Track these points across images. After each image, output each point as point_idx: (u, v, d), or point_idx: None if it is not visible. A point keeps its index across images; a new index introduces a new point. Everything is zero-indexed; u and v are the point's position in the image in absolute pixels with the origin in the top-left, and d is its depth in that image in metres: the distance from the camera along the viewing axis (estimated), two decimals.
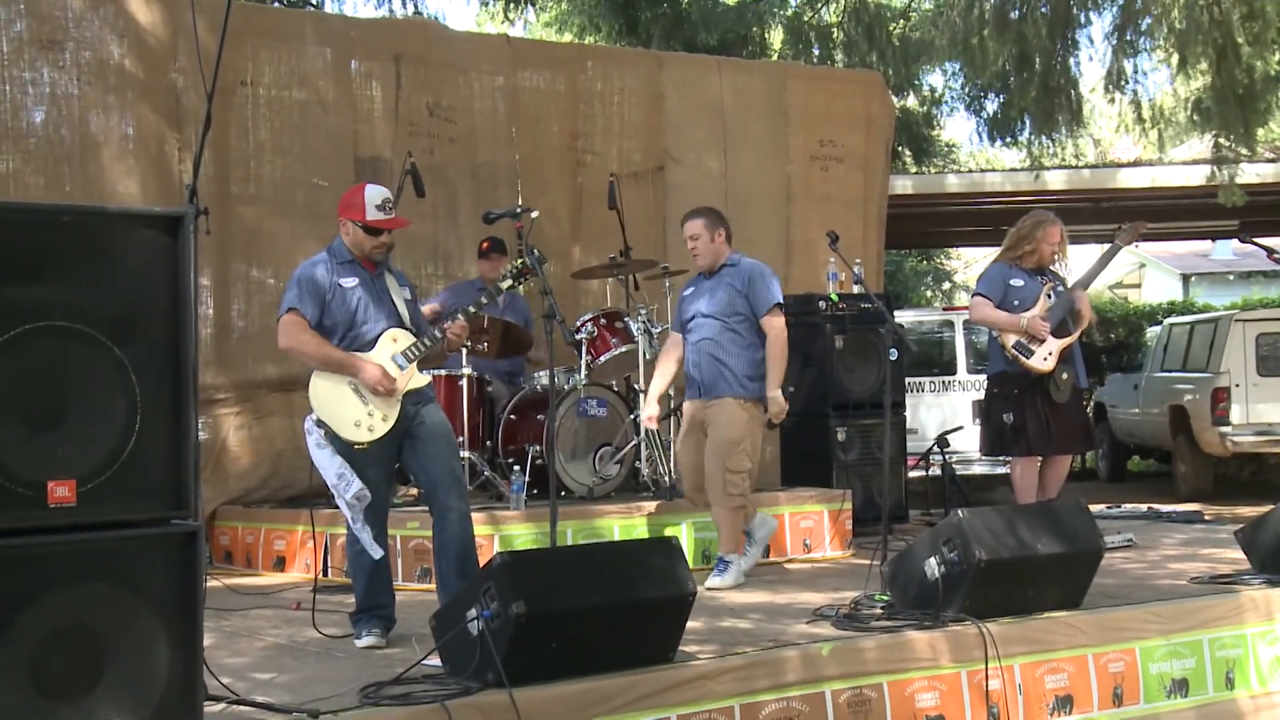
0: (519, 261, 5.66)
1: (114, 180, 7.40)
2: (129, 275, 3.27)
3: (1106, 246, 7.29)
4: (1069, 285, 7.17)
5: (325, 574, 6.72)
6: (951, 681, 4.77)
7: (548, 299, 5.60)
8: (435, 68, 8.62)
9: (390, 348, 5.13)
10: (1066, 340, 7.02)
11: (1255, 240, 7.70)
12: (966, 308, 14.49)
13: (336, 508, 5.10)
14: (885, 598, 5.30)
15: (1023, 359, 6.96)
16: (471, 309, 5.59)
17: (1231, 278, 28.32)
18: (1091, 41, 14.30)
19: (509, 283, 5.71)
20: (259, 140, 7.96)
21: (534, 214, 6.26)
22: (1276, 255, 7.11)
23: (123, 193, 7.37)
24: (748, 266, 6.51)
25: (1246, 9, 10.66)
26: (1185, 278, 29.14)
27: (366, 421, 5.03)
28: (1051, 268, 7.24)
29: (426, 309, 6.49)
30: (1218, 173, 12.71)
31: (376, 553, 5.02)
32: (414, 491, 6.74)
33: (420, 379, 5.18)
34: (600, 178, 8.70)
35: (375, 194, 5.15)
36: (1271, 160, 13.43)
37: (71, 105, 7.36)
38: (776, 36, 15.80)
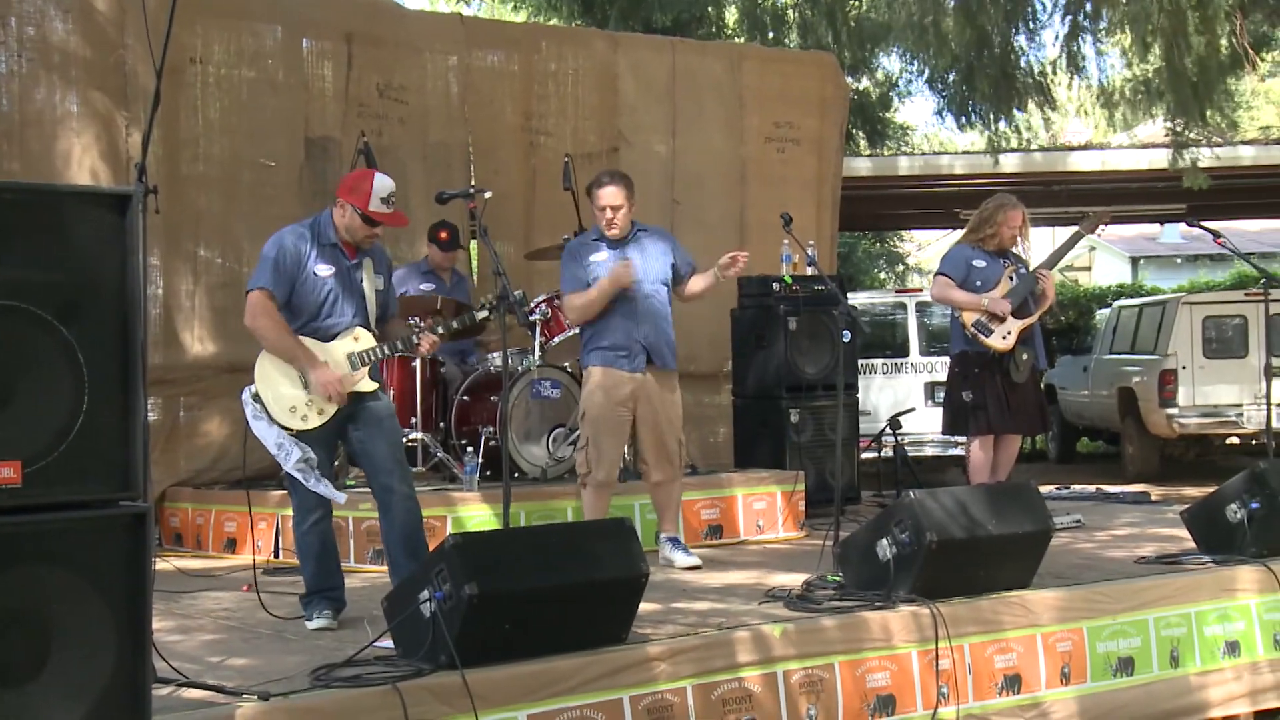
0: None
1: (59, 158, 7.29)
2: (76, 254, 3.21)
3: (1071, 231, 7.36)
4: (1031, 268, 7.24)
5: (277, 555, 6.70)
6: (903, 661, 4.81)
7: (501, 280, 5.57)
8: (387, 47, 8.53)
9: (350, 346, 5.08)
10: (1026, 321, 7.09)
11: (1203, 224, 7.77)
12: (920, 290, 14.68)
13: (286, 490, 5.07)
14: (837, 579, 5.33)
15: (982, 337, 7.02)
16: (443, 331, 5.53)
17: (1179, 261, 28.66)
18: (1038, 25, 14.29)
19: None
20: (209, 119, 7.86)
21: (487, 194, 6.22)
22: (1223, 239, 7.21)
23: (68, 171, 7.26)
24: (660, 232, 6.56)
25: None
26: (1134, 261, 29.47)
27: (303, 410, 5.00)
28: (1013, 250, 7.31)
29: None
30: (1179, 158, 12.79)
31: (340, 498, 5.11)
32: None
33: (369, 384, 5.11)
34: (553, 159, 8.65)
35: (383, 185, 5.08)
36: (1218, 144, 13.54)
37: (13, 81, 7.24)
38: (731, 17, 15.79)
